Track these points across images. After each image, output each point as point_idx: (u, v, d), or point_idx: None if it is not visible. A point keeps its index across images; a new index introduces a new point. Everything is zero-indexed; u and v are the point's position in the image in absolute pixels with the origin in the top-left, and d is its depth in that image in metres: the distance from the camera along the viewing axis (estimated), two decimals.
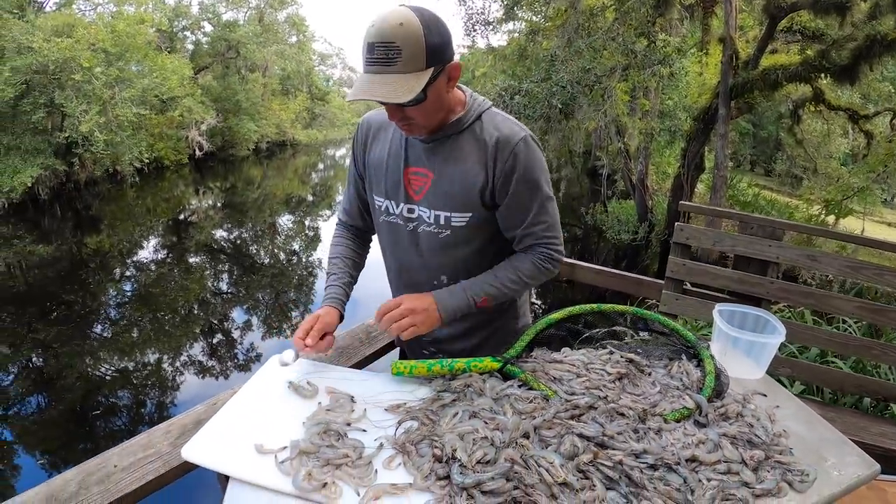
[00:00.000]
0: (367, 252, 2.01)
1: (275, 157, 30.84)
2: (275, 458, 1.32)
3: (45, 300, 10.49)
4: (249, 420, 1.46)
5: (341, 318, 1.78)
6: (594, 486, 1.24)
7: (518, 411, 1.44)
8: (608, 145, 15.18)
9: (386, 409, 1.52)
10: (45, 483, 1.44)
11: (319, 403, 1.53)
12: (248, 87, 28.48)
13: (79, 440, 6.83)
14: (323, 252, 13.80)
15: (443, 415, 1.44)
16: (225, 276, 12.68)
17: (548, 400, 1.48)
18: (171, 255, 13.64)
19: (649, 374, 1.64)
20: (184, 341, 9.18)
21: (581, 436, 1.36)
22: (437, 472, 1.27)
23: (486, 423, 1.39)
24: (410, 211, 1.73)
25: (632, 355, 1.68)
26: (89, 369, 8.16)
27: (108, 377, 8.07)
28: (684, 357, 1.73)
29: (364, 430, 1.43)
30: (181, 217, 17.41)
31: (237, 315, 10.35)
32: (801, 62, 10.81)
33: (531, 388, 1.54)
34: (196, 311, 10.50)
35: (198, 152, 24.70)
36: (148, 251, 14.02)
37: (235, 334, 9.55)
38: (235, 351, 9.01)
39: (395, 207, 1.75)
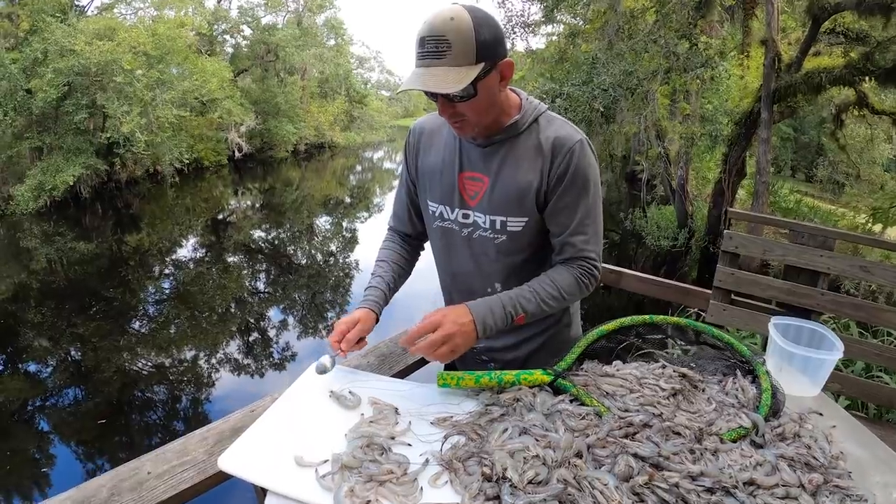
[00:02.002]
0: (416, 259, 1.95)
1: (313, 159, 31.03)
2: (315, 471, 1.26)
3: (84, 296, 10.63)
4: (289, 430, 1.40)
5: (377, 320, 1.72)
6: None
7: (570, 428, 1.36)
8: (648, 149, 14.94)
9: (432, 423, 1.45)
10: (77, 488, 1.39)
11: (362, 415, 1.46)
12: (286, 90, 28.64)
13: (114, 433, 6.93)
14: (360, 254, 13.94)
15: (492, 430, 1.37)
16: (262, 275, 12.73)
17: (600, 417, 1.41)
18: (209, 254, 13.74)
19: (703, 391, 1.56)
20: (220, 339, 9.25)
21: (636, 456, 1.28)
22: (487, 491, 1.19)
23: (538, 440, 1.32)
24: (465, 216, 1.69)
25: (685, 370, 1.60)
26: (126, 364, 8.25)
27: (144, 372, 8.16)
28: (739, 372, 1.64)
29: (409, 445, 1.36)
30: (220, 217, 17.56)
31: (273, 314, 10.40)
32: (844, 65, 10.52)
33: (583, 404, 1.47)
34: (233, 310, 10.56)
35: (237, 154, 24.94)
36: (187, 250, 14.15)
37: (271, 333, 9.61)
38: (271, 350, 9.07)
39: (449, 212, 1.71)
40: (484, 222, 1.67)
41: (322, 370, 1.59)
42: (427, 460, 1.30)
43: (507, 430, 1.36)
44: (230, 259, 13.24)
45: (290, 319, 10.27)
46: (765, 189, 11.41)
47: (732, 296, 2.99)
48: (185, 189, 19.95)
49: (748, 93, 12.68)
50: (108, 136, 16.44)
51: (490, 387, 1.54)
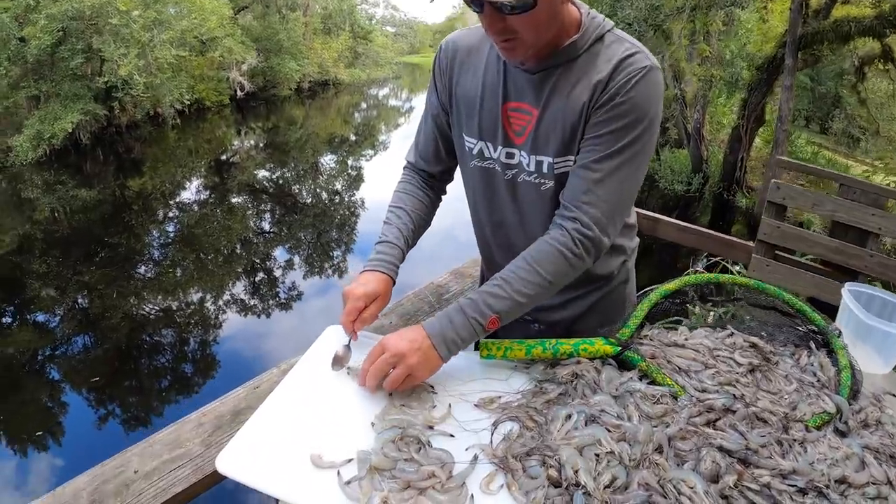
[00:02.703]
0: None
1: (317, 97, 30.42)
2: (338, 475, 1.02)
3: (88, 243, 10.55)
4: (301, 418, 1.17)
5: (393, 284, 1.45)
6: None
7: (646, 415, 1.14)
8: (664, 90, 14.43)
9: (476, 405, 1.21)
10: (53, 493, 1.18)
11: (390, 395, 1.22)
12: (288, 27, 27.81)
13: (124, 378, 7.01)
14: (365, 192, 13.80)
15: (552, 416, 1.14)
16: (267, 215, 12.64)
17: (676, 399, 1.18)
18: (213, 195, 13.59)
19: (776, 364, 1.35)
20: (227, 280, 9.25)
21: (721, 449, 1.06)
22: (554, 501, 0.97)
23: (610, 431, 1.09)
24: (510, 156, 1.40)
25: (755, 339, 1.40)
26: (134, 309, 8.27)
27: (152, 317, 8.19)
28: (813, 345, 1.43)
29: (451, 436, 1.12)
30: (223, 158, 17.29)
31: (279, 254, 10.39)
32: (875, 16, 10.08)
33: (653, 382, 1.24)
34: (239, 251, 10.51)
35: (239, 93, 24.37)
36: (190, 192, 13.98)
37: (277, 273, 9.61)
38: (277, 290, 9.11)
39: (491, 150, 1.42)
40: (528, 164, 1.38)
41: (340, 367, 1.32)
42: (476, 457, 1.07)
43: (571, 416, 1.12)
44: (234, 200, 13.11)
45: (296, 259, 10.28)
46: (785, 137, 11.11)
47: (776, 251, 2.87)
48: (186, 131, 19.59)
49: (771, 38, 12.33)
50: (106, 80, 16.02)
51: (543, 359, 1.30)
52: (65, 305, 8.36)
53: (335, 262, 10.20)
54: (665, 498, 0.96)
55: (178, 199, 13.29)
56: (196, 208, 12.64)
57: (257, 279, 9.41)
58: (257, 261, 10.05)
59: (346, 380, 1.27)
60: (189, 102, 19.85)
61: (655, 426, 1.10)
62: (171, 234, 11.26)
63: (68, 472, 5.47)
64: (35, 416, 6.37)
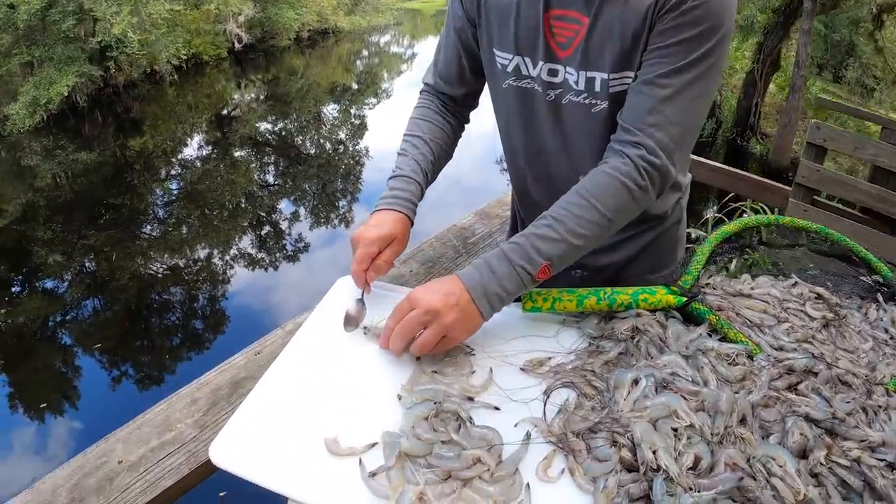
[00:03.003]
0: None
1: (317, 46, 29.74)
2: (360, 465, 0.84)
3: (92, 207, 10.46)
4: (310, 391, 0.98)
5: (411, 225, 1.24)
6: (829, 497, 0.80)
7: (724, 378, 0.96)
8: None
9: (522, 369, 1.01)
10: (32, 489, 1.03)
11: (418, 360, 1.02)
12: None
13: (134, 338, 7.10)
14: (369, 141, 13.60)
15: (615, 382, 0.95)
16: (271, 168, 12.57)
17: (752, 359, 1.01)
18: (215, 150, 13.44)
19: (844, 318, 1.19)
20: (232, 235, 9.23)
21: (807, 418, 0.90)
22: (630, 490, 0.79)
23: (687, 399, 0.90)
24: (553, 73, 1.17)
25: (821, 290, 1.24)
26: (141, 269, 8.30)
27: (159, 275, 8.22)
28: (880, 298, 1.28)
29: (496, 409, 0.93)
30: (224, 112, 17.03)
31: (284, 206, 10.35)
32: None
33: (724, 339, 1.06)
34: (243, 205, 10.45)
35: (237, 45, 23.77)
36: (192, 148, 13.83)
37: (283, 225, 9.63)
38: (284, 242, 9.15)
39: (530, 67, 1.19)
40: (577, 82, 1.15)
41: (353, 327, 1.11)
42: (528, 435, 0.88)
43: (638, 382, 0.94)
44: (237, 154, 12.97)
45: (302, 210, 10.22)
46: (802, 83, 10.85)
47: (814, 196, 2.79)
48: (185, 87, 19.21)
49: None
50: (100, 39, 15.60)
51: (597, 311, 1.11)
52: (72, 270, 8.44)
53: (341, 213, 10.15)
54: (754, 480, 0.79)
55: (179, 157, 13.18)
56: (199, 164, 12.52)
57: (263, 232, 9.39)
58: (263, 214, 10.00)
59: (363, 342, 1.08)
60: (186, 58, 19.42)
61: (736, 392, 0.92)
62: (175, 192, 11.18)
63: (86, 436, 5.45)
64: (49, 382, 6.43)
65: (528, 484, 0.81)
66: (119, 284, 7.80)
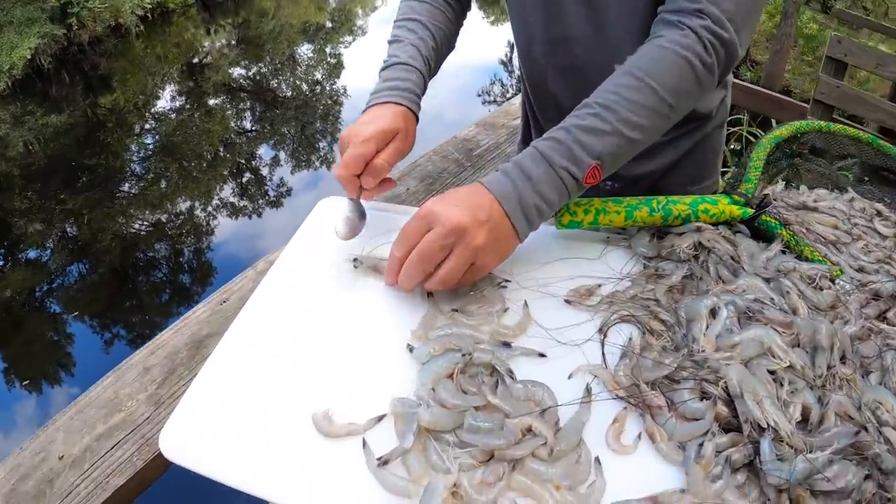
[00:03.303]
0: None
1: None
2: (363, 446, 0.63)
3: (67, 170, 10.11)
4: (289, 348, 0.76)
5: (416, 121, 0.99)
6: None
7: (815, 306, 0.77)
8: None
9: (567, 301, 0.80)
10: None
11: (429, 297, 0.79)
12: None
13: (124, 298, 6.91)
14: (347, 79, 13.23)
15: (688, 313, 0.75)
16: (247, 114, 12.23)
17: (833, 282, 0.84)
18: (188, 100, 13.08)
19: None
20: (213, 185, 9.02)
21: None
22: (733, 458, 0.60)
23: (779, 332, 0.71)
24: None
25: (879, 206, 1.10)
26: (122, 228, 8.06)
27: (142, 232, 8.02)
28: None
29: (541, 355, 0.71)
30: (195, 60, 16.50)
31: (264, 152, 10.13)
32: None
33: (799, 257, 0.88)
34: (222, 154, 10.20)
35: None
36: (165, 100, 13.44)
37: (264, 171, 9.44)
38: (266, 188, 8.99)
39: None
40: None
41: (349, 234, 0.90)
42: (588, 389, 0.67)
43: (717, 311, 0.74)
44: (212, 102, 12.67)
45: (282, 154, 10.02)
46: (794, 9, 10.42)
47: (833, 114, 2.71)
48: (153, 38, 18.52)
49: None
50: None
51: (648, 225, 0.91)
52: (53, 237, 8.24)
53: (322, 154, 9.95)
54: (866, 431, 0.62)
55: (152, 110, 12.83)
56: (173, 116, 12.20)
57: (244, 180, 9.18)
58: (242, 161, 9.77)
59: (354, 277, 0.84)
60: (151, 6, 18.58)
61: (835, 323, 0.74)
62: (151, 147, 10.94)
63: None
64: (41, 353, 6.28)
65: (597, 458, 0.60)
66: (102, 246, 7.59)
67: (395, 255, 0.76)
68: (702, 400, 0.65)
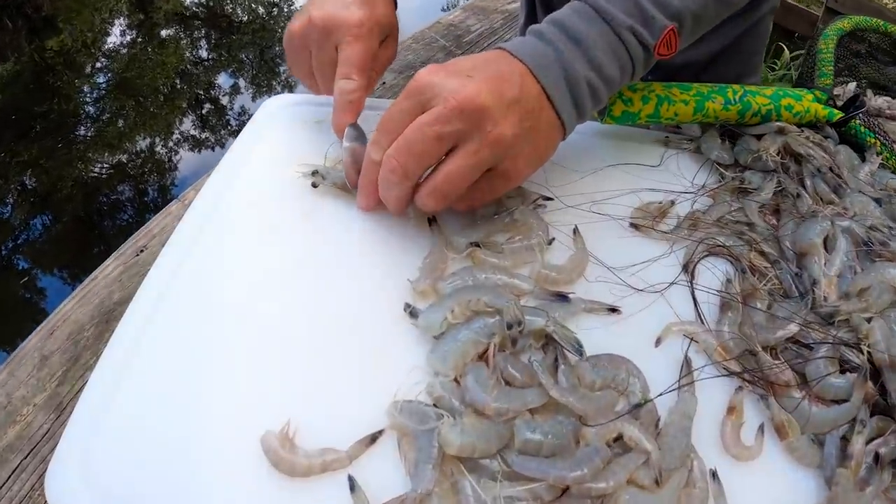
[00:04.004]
0: None
1: None
2: (351, 489, 0.37)
3: (18, 121, 9.59)
4: (227, 324, 0.49)
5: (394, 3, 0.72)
6: None
7: None
8: None
9: (633, 225, 0.57)
10: None
11: (433, 224, 0.55)
12: None
13: (90, 246, 6.40)
14: None
15: (800, 244, 0.53)
16: (202, 42, 11.79)
17: None
18: (139, 33, 12.47)
19: None
20: (172, 119, 8.60)
21: None
22: (881, 454, 0.40)
23: None
24: None
25: None
26: (82, 174, 7.70)
27: (104, 175, 7.65)
28: None
29: (613, 309, 0.49)
30: None
31: (223, 80, 9.67)
32: None
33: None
34: (179, 86, 9.76)
35: None
36: (114, 36, 12.82)
37: (224, 101, 9.03)
38: (227, 117, 8.53)
39: None
40: None
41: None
42: (687, 361, 0.46)
43: (833, 239, 0.54)
44: (164, 33, 12.06)
45: (241, 82, 9.53)
46: None
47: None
48: None
49: None
50: None
51: (723, 120, 0.68)
52: (12, 193, 7.87)
53: (283, 78, 9.58)
54: None
55: (102, 48, 12.23)
56: (124, 52, 11.63)
57: (204, 111, 8.84)
58: (200, 92, 9.40)
59: (317, 202, 0.59)
60: None
61: None
62: (104, 86, 10.44)
63: None
64: (15, 310, 6.12)
65: (713, 473, 0.38)
66: (63, 195, 7.38)
67: (373, 157, 0.50)
68: (842, 373, 0.44)
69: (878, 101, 0.85)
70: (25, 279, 6.31)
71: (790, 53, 2.63)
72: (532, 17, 1.06)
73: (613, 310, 0.46)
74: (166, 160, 7.65)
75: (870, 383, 0.43)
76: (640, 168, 0.61)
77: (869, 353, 0.44)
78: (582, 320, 0.46)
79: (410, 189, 0.49)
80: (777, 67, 2.61)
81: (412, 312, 0.46)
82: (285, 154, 0.63)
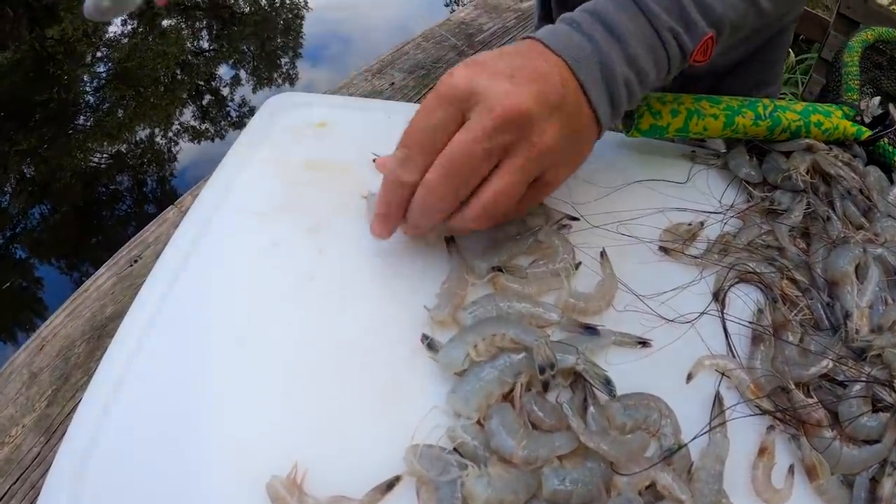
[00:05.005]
0: None
1: None
2: None
3: (18, 110, 9.79)
4: (222, 354, 0.45)
5: None
6: None
7: None
8: None
9: (662, 248, 0.54)
10: None
11: (450, 244, 0.52)
12: None
13: (90, 235, 6.33)
14: None
15: (832, 272, 0.51)
16: (203, 33, 11.73)
17: None
18: (140, 22, 12.43)
19: None
20: (171, 110, 8.56)
21: None
22: None
23: None
24: None
25: None
26: (81, 164, 7.68)
27: (103, 165, 7.57)
28: None
29: (643, 343, 0.47)
30: None
31: (223, 72, 9.56)
32: None
33: None
34: (179, 77, 9.64)
35: None
36: (115, 25, 12.80)
37: (224, 92, 8.96)
38: (227, 109, 8.53)
39: None
40: None
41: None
42: (719, 400, 0.44)
43: (864, 268, 0.52)
44: (165, 23, 12.02)
45: (242, 74, 9.39)
46: None
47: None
48: None
49: None
50: None
51: (752, 136, 0.65)
52: (11, 182, 7.86)
53: (284, 70, 9.60)
54: None
55: (103, 37, 12.21)
56: (125, 41, 11.58)
57: (205, 102, 8.78)
58: (201, 83, 9.39)
59: (333, 211, 0.56)
60: None
61: None
62: (104, 75, 10.40)
63: None
64: (15, 300, 6.15)
65: None
66: (63, 184, 7.41)
67: (405, 178, 0.44)
68: (875, 412, 0.42)
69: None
70: (7, 284, 6.25)
71: (795, 57, 2.60)
72: (548, 17, 1.02)
73: (644, 343, 0.44)
74: (166, 151, 7.60)
75: None
76: (666, 185, 0.58)
77: None
78: (610, 354, 0.43)
79: (448, 210, 0.45)
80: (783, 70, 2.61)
81: (430, 345, 0.43)
82: (292, 157, 0.60)
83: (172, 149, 7.60)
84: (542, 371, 0.38)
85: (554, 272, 0.47)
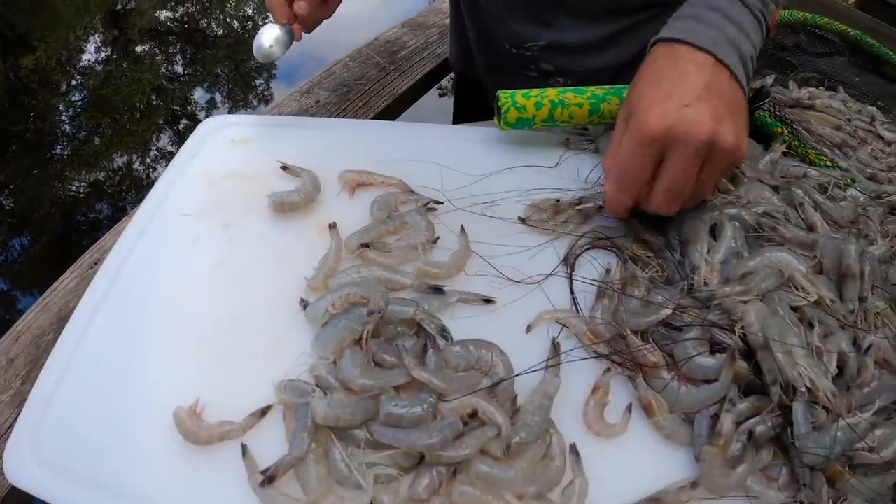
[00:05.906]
0: None
1: None
2: (243, 455, 0.45)
3: None
4: (152, 320, 0.57)
5: None
6: None
7: (833, 220, 0.62)
8: None
9: (522, 219, 0.63)
10: None
11: (331, 228, 0.62)
12: None
13: (68, 264, 6.61)
14: None
15: (684, 233, 0.59)
16: (177, 58, 11.61)
17: (845, 190, 0.71)
18: (114, 50, 12.33)
19: None
20: (148, 135, 8.35)
21: None
22: (758, 432, 0.46)
23: (802, 256, 0.56)
24: None
25: (873, 109, 0.96)
26: (59, 193, 7.60)
27: (81, 194, 7.55)
28: None
29: (488, 300, 0.55)
30: (117, 7, 15.57)
31: (199, 95, 9.46)
32: None
33: (805, 161, 0.76)
34: (155, 102, 9.68)
35: None
36: (89, 53, 12.67)
37: (201, 115, 8.89)
38: None
39: None
40: None
41: (266, 54, 0.78)
42: (555, 345, 0.51)
43: (720, 230, 0.59)
44: (139, 49, 11.92)
45: (217, 96, 9.51)
46: None
47: None
48: None
49: None
50: None
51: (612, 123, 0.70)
52: None
53: (259, 91, 9.51)
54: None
55: (78, 65, 12.11)
56: (99, 68, 11.50)
57: (181, 126, 8.78)
58: (177, 108, 9.31)
59: (236, 213, 0.65)
60: None
61: (862, 242, 0.59)
62: (79, 104, 10.29)
63: None
64: None
65: (573, 447, 0.44)
66: (41, 214, 7.28)
67: (615, 182, 0.55)
68: (713, 353, 0.48)
69: (801, 92, 0.91)
70: None
71: None
72: (459, 26, 1.09)
73: (488, 300, 0.52)
74: (144, 177, 7.65)
75: (742, 363, 0.47)
76: (536, 170, 0.67)
77: (744, 334, 0.48)
78: (459, 311, 0.52)
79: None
80: None
81: (305, 306, 0.52)
82: (216, 169, 0.70)
83: (151, 174, 7.67)
84: (370, 314, 0.46)
85: (412, 246, 0.55)
